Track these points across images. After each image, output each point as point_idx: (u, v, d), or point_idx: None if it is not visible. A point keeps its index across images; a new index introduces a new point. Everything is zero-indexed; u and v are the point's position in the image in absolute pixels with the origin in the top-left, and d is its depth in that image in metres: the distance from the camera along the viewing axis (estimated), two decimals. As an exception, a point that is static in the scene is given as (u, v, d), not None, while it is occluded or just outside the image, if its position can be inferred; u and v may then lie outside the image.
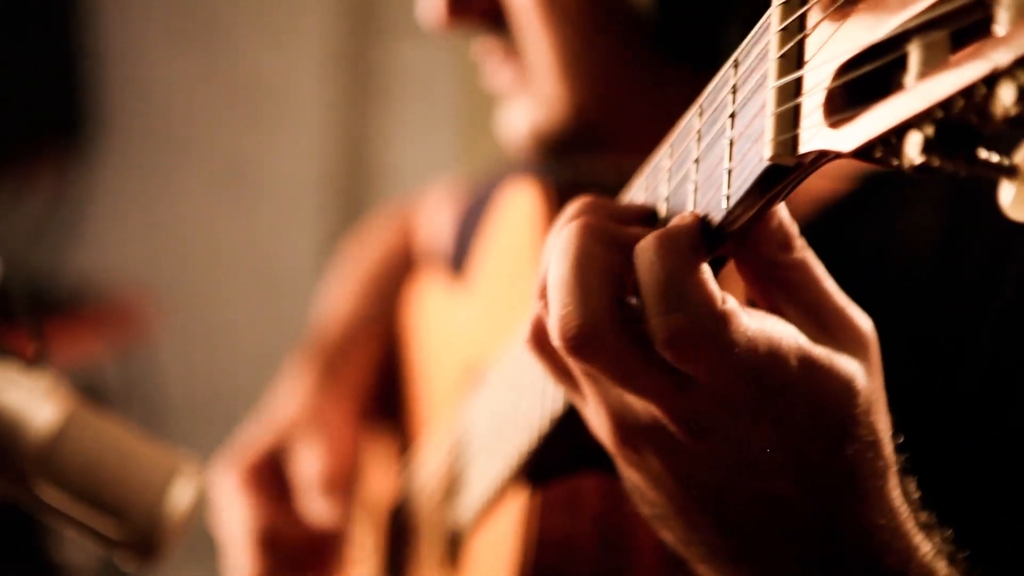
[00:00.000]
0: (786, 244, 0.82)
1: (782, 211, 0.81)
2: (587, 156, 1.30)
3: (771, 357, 0.79)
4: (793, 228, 0.82)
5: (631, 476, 0.87)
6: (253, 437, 1.61)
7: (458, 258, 1.55)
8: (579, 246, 0.82)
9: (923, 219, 1.15)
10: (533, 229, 1.22)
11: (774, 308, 0.83)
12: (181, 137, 3.97)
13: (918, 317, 1.14)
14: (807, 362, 0.80)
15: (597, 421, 0.87)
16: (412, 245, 1.76)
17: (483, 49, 1.32)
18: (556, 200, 1.20)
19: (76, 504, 1.12)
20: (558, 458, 1.10)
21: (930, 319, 1.14)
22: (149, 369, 3.82)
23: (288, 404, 1.62)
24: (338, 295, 1.76)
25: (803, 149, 0.71)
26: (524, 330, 0.89)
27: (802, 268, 0.83)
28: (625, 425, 0.84)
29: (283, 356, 1.80)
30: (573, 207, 0.87)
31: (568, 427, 0.99)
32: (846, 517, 0.84)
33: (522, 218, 1.26)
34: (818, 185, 1.17)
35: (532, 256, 1.21)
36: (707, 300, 0.78)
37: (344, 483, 1.53)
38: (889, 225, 1.17)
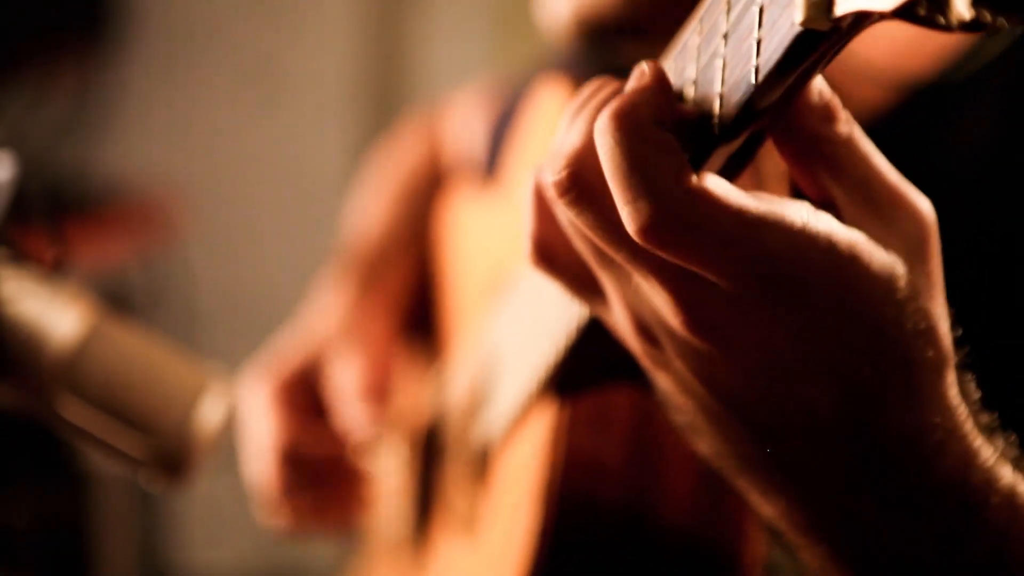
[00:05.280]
0: (828, 116, 0.75)
1: (821, 82, 0.75)
2: (627, 43, 1.24)
3: (782, 245, 0.72)
4: (835, 100, 0.76)
5: (660, 379, 0.82)
6: (287, 351, 1.59)
7: (492, 164, 1.50)
8: (625, 135, 0.74)
9: (977, 129, 1.10)
10: None
11: (820, 190, 0.76)
12: (208, 34, 3.93)
13: (973, 221, 1.08)
14: (832, 251, 0.73)
15: (619, 322, 0.81)
16: (441, 155, 1.71)
17: None
18: None
19: (99, 420, 1.09)
20: (586, 370, 1.05)
21: (985, 223, 1.08)
22: (176, 271, 3.79)
23: (324, 319, 1.61)
24: (370, 208, 1.75)
25: (839, 11, 0.65)
26: (523, 247, 0.83)
27: (848, 143, 0.76)
28: (644, 319, 0.79)
29: (311, 258, 1.78)
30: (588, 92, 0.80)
31: (595, 336, 0.94)
32: (892, 416, 0.76)
33: (554, 118, 1.20)
34: (867, 93, 1.12)
35: None
36: (675, 177, 0.71)
37: (380, 396, 1.52)
38: (942, 135, 1.11)
